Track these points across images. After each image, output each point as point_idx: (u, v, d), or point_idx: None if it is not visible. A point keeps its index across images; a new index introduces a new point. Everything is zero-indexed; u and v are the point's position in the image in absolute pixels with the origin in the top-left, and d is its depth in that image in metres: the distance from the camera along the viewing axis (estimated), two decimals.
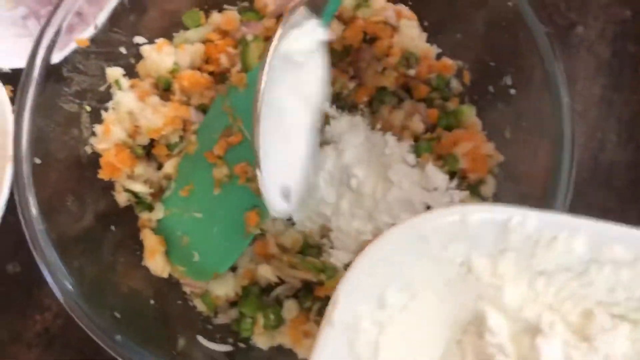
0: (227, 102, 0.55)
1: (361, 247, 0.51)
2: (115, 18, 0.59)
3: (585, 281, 0.41)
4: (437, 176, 0.54)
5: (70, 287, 0.48)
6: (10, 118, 0.59)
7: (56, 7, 0.52)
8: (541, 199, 0.50)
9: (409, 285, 0.41)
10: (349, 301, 0.40)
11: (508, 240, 0.41)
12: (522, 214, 0.41)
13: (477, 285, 0.41)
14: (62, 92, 0.54)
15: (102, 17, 0.58)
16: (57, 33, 0.52)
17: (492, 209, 0.42)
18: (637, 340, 0.41)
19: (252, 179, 0.53)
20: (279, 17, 0.61)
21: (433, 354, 0.42)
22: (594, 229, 0.41)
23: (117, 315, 0.51)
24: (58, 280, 0.48)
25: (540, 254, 0.41)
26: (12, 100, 0.60)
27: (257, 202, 0.52)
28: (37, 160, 0.51)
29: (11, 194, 0.58)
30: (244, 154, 0.53)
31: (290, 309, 0.55)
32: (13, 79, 0.63)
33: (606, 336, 0.40)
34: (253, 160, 0.52)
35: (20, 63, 0.67)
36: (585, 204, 0.62)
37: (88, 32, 0.57)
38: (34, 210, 0.49)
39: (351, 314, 0.40)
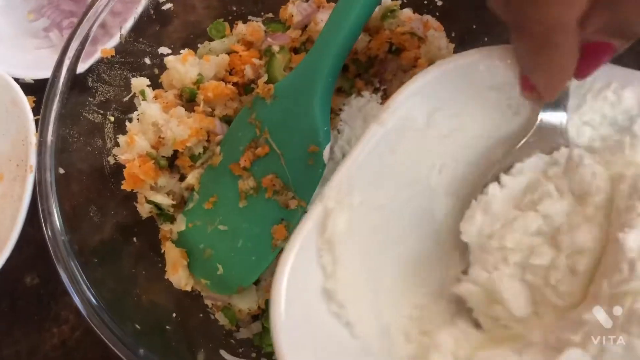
0: (253, 114, 0.54)
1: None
2: (140, 29, 0.59)
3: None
4: None
5: (92, 299, 0.47)
6: (32, 128, 0.59)
7: (82, 17, 0.51)
8: None
9: (458, 115, 0.45)
10: (404, 104, 0.44)
11: None
12: None
13: None
14: (86, 102, 0.54)
15: (127, 28, 0.58)
16: (83, 43, 0.52)
17: None
18: None
19: (280, 191, 0.52)
20: (304, 28, 0.60)
21: None
22: None
23: (138, 327, 0.50)
24: (80, 292, 0.47)
25: (589, 102, 0.44)
26: (34, 110, 0.60)
27: (284, 216, 0.51)
28: (61, 170, 0.51)
29: (30, 205, 0.57)
30: (271, 166, 0.52)
31: None
32: (36, 89, 0.63)
33: None
34: (281, 173, 0.51)
35: (42, 74, 0.67)
36: None
37: (113, 43, 0.57)
38: (57, 220, 0.49)
39: (405, 112, 0.44)
